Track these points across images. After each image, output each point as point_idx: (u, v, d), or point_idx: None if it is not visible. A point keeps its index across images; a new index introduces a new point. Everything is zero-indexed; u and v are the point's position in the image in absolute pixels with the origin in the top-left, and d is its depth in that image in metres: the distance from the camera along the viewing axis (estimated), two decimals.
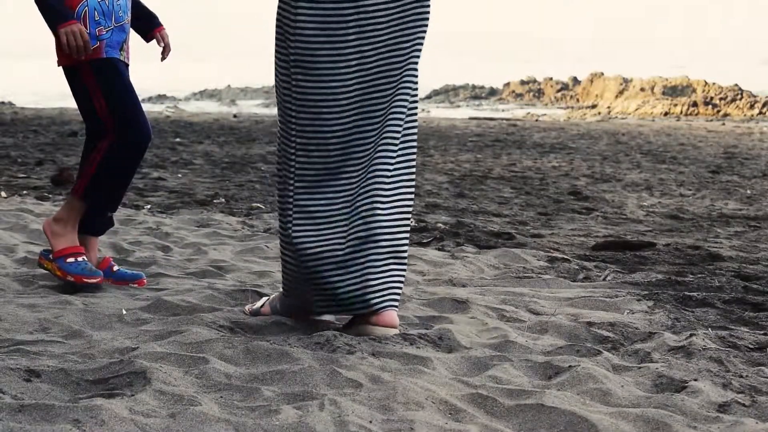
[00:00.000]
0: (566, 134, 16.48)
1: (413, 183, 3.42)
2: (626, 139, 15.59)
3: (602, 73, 36.07)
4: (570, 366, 3.00)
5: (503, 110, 32.63)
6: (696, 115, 28.14)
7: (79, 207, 4.04)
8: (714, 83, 31.66)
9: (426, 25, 3.36)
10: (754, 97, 29.47)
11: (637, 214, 7.39)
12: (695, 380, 2.92)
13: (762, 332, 3.57)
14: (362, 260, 3.30)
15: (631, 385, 2.92)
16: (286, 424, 2.46)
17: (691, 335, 3.42)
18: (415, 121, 3.42)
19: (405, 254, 3.40)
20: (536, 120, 23.94)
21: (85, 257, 4.04)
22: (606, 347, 3.33)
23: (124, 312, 3.60)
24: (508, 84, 40.23)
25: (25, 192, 7.31)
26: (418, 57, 3.36)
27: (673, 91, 32.36)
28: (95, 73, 3.93)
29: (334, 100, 3.27)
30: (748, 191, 9.13)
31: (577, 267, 4.94)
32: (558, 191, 8.70)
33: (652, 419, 2.57)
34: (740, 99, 29.29)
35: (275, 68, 3.39)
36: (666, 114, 28.34)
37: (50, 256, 4.05)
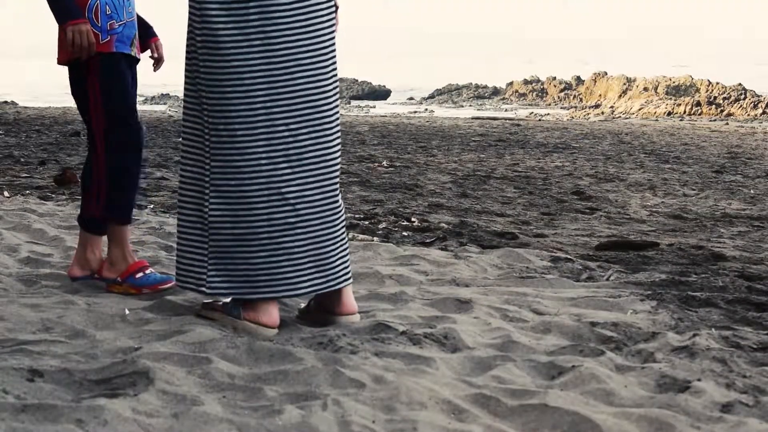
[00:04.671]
0: (569, 134, 16.47)
1: (337, 168, 3.49)
2: (629, 139, 15.57)
3: (605, 73, 36.03)
4: (573, 366, 3.00)
5: (506, 110, 32.59)
6: (699, 114, 28.08)
7: (116, 228, 4.07)
8: (717, 83, 31.59)
9: (330, 16, 3.43)
10: (758, 96, 29.38)
11: (641, 214, 7.39)
12: (698, 380, 2.91)
13: (765, 332, 3.56)
14: (289, 244, 3.37)
15: (635, 385, 2.91)
16: (289, 424, 2.46)
17: (694, 335, 3.42)
18: (337, 111, 3.49)
19: (341, 232, 3.47)
20: (539, 120, 23.92)
21: (151, 269, 4.09)
22: (609, 347, 3.33)
23: (127, 312, 3.60)
24: (511, 83, 40.17)
25: (28, 192, 7.31)
26: (330, 48, 3.43)
27: (676, 90, 32.31)
28: (101, 67, 3.93)
29: (239, 79, 3.32)
30: (752, 191, 9.12)
31: (580, 267, 4.94)
32: (561, 191, 8.69)
33: (655, 419, 2.57)
34: (744, 99, 29.22)
35: (186, 54, 3.45)
36: (669, 114, 28.29)
37: (118, 279, 4.05)
